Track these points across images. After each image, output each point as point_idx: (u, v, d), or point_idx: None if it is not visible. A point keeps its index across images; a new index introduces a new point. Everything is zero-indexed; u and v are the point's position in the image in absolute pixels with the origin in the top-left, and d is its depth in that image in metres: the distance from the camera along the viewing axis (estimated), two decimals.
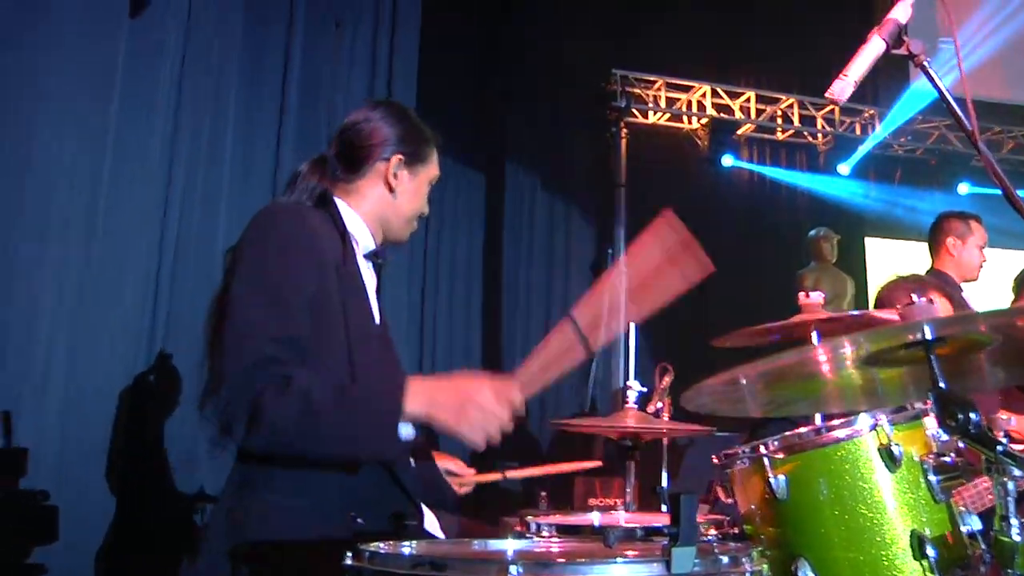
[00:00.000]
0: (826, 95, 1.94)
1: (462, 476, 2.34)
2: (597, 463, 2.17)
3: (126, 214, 4.48)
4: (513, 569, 1.05)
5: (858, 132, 8.33)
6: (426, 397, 1.71)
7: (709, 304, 7.37)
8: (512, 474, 2.44)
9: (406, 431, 1.73)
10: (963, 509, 1.67)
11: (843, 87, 1.91)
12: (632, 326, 5.31)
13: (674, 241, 1.83)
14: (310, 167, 2.09)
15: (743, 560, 1.18)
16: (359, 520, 1.79)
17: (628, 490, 2.43)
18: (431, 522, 2.05)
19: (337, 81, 5.86)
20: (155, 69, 4.67)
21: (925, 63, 1.93)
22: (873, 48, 1.92)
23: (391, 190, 2.07)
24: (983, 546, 1.57)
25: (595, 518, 2.14)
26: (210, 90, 5.12)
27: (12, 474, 3.84)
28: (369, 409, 1.70)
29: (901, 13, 1.96)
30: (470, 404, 1.68)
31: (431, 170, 2.16)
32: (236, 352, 1.76)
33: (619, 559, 1.11)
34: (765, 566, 1.21)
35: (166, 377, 4.66)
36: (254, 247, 1.88)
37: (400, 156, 2.07)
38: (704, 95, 7.88)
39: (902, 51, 1.94)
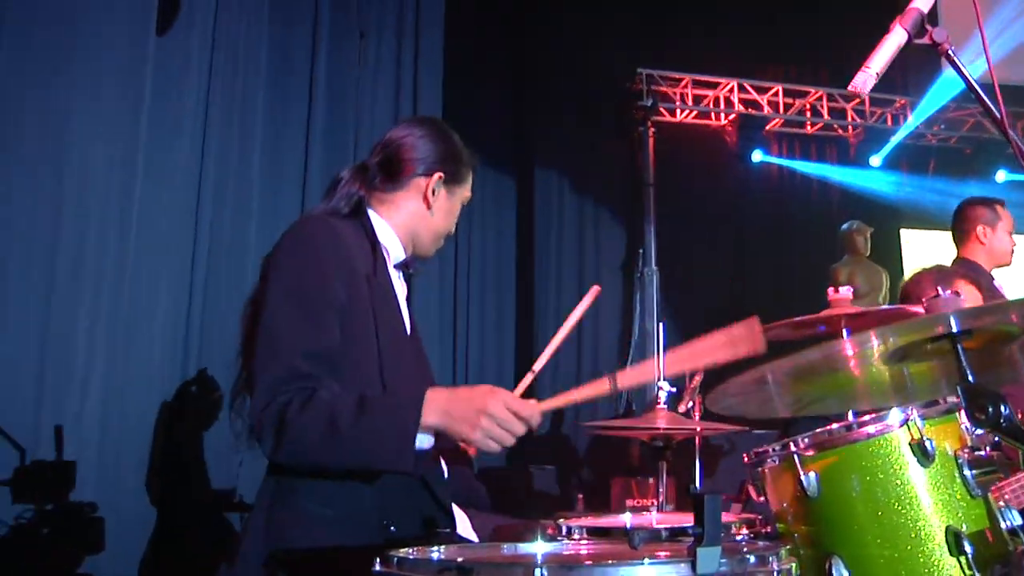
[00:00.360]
0: (848, 88, 1.92)
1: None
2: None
3: (158, 226, 4.55)
4: (538, 572, 1.05)
5: (889, 123, 8.23)
6: (441, 408, 1.73)
7: (742, 301, 7.33)
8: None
9: (425, 441, 1.75)
10: (1002, 504, 1.64)
11: (865, 79, 1.89)
12: (662, 325, 5.28)
13: (747, 348, 1.81)
14: (351, 174, 2.11)
15: (770, 559, 1.17)
16: (392, 528, 1.81)
17: (661, 490, 2.42)
18: (463, 524, 2.06)
19: (363, 90, 5.91)
20: (183, 83, 4.75)
21: (949, 51, 1.90)
22: (895, 38, 1.90)
23: (428, 206, 2.10)
24: None
25: (627, 519, 2.13)
26: (237, 102, 5.19)
27: (63, 486, 3.93)
28: (386, 423, 1.72)
29: (923, 2, 1.93)
30: (483, 414, 1.71)
31: (466, 192, 2.21)
32: (267, 363, 1.78)
33: (645, 560, 1.11)
34: (794, 564, 1.20)
35: (203, 387, 4.72)
36: (287, 258, 1.90)
37: (441, 174, 2.10)
38: (731, 91, 7.83)
39: (925, 40, 1.91)
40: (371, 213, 2.07)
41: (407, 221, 2.10)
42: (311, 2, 5.78)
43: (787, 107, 8.02)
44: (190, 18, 4.81)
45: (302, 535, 1.78)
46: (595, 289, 2.14)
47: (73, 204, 4.22)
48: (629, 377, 1.87)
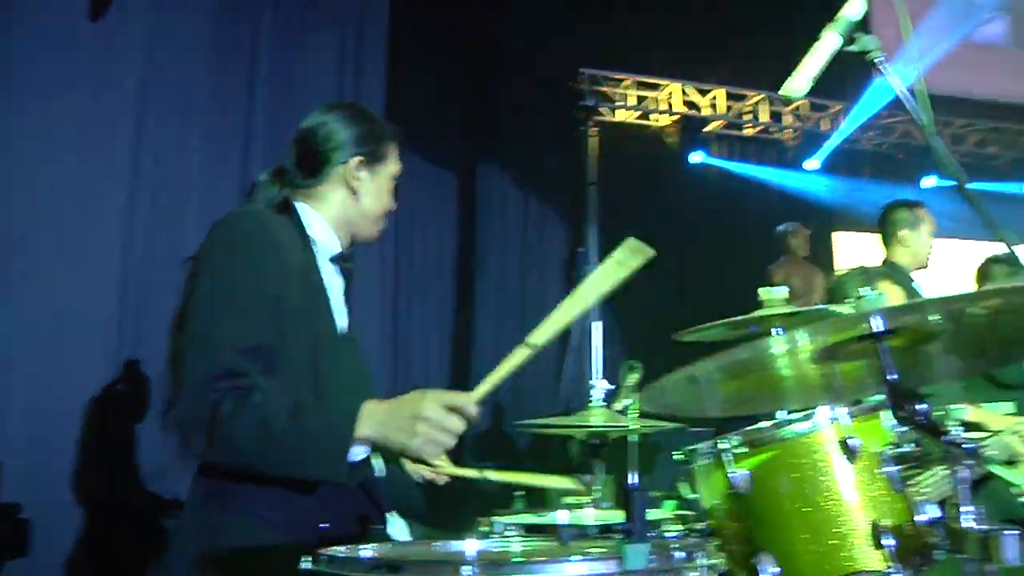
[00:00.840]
0: (781, 92, 1.96)
1: (438, 467, 2.32)
2: (570, 484, 2.10)
3: (91, 221, 4.44)
4: (466, 569, 1.05)
5: (825, 127, 8.41)
6: (376, 420, 1.70)
7: (681, 300, 7.43)
8: (491, 475, 2.42)
9: (359, 453, 1.72)
10: (921, 498, 1.70)
11: (798, 84, 1.94)
12: (599, 324, 5.30)
13: (636, 260, 1.82)
14: (269, 177, 2.08)
15: (698, 554, 1.19)
16: (325, 524, 1.79)
17: (598, 488, 2.44)
18: (399, 528, 2.05)
19: (307, 82, 5.83)
20: (118, 75, 4.63)
21: (877, 60, 1.95)
22: (827, 45, 1.94)
23: (353, 192, 2.07)
24: (939, 534, 1.60)
25: (562, 517, 2.14)
26: (175, 93, 5.09)
27: None
28: (320, 434, 1.70)
29: (853, 9, 1.98)
30: (419, 420, 1.67)
31: (392, 166, 2.15)
32: (196, 362, 1.75)
33: (574, 557, 1.11)
34: (722, 560, 1.22)
35: (134, 386, 4.62)
36: (215, 254, 1.87)
37: (359, 158, 2.07)
38: (673, 93, 7.92)
39: (855, 48, 1.96)
40: (301, 206, 2.04)
41: (337, 212, 2.07)
42: None
43: (728, 109, 8.14)
44: (124, 4, 4.68)
45: (234, 535, 1.76)
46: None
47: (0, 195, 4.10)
48: (543, 332, 1.85)
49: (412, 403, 1.71)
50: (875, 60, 1.94)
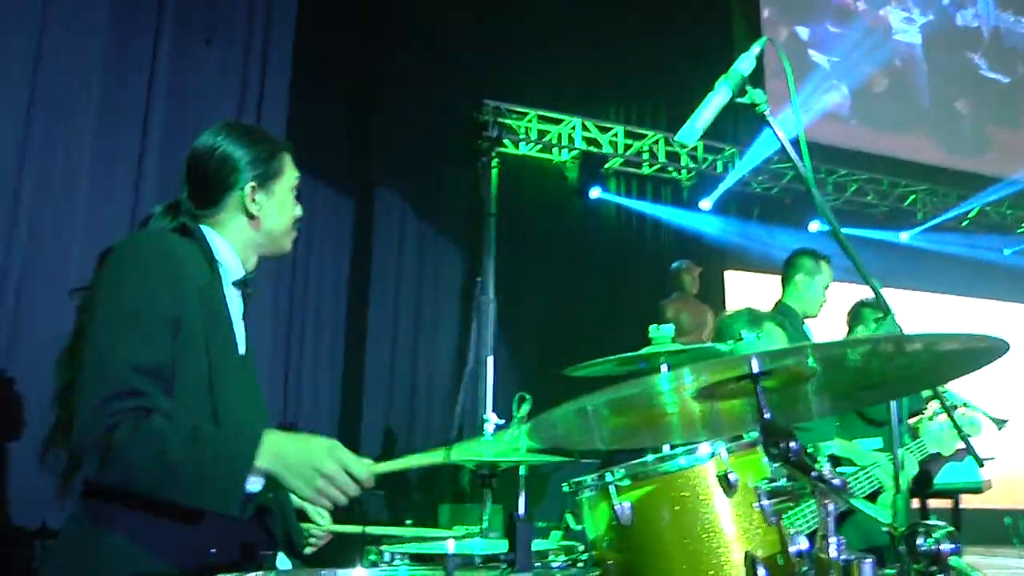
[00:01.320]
0: (675, 139, 2.05)
1: (319, 525, 2.28)
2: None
3: None
4: None
5: (720, 169, 8.73)
6: (276, 456, 1.69)
7: (574, 334, 7.55)
8: (371, 529, 2.40)
9: (255, 484, 1.71)
10: (792, 531, 1.78)
11: (689, 132, 2.03)
12: (491, 359, 5.35)
13: None
14: (163, 210, 2.05)
15: None
16: (212, 551, 1.75)
17: (485, 518, 2.45)
18: (284, 561, 2.01)
19: (206, 101, 5.71)
20: (0, 83, 4.42)
21: (765, 113, 2.07)
22: (718, 97, 2.05)
23: (252, 217, 2.05)
24: (808, 563, 1.68)
25: (449, 544, 2.15)
26: (64, 105, 4.89)
27: None
28: (218, 464, 1.67)
29: (745, 65, 2.09)
30: (318, 473, 1.69)
31: (289, 179, 2.13)
32: (92, 384, 1.71)
33: None
34: None
35: (7, 403, 4.39)
36: (115, 273, 1.83)
37: (252, 184, 2.04)
38: (574, 128, 8.09)
39: (745, 100, 2.07)
40: (206, 229, 2.02)
41: (240, 237, 2.05)
42: (153, 10, 5.51)
43: (626, 147, 8.36)
44: (10, 15, 4.47)
45: (115, 562, 1.70)
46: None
47: None
48: (464, 452, 1.89)
49: (317, 454, 1.71)
50: (762, 112, 2.05)
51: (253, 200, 2.04)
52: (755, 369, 1.44)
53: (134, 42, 5.38)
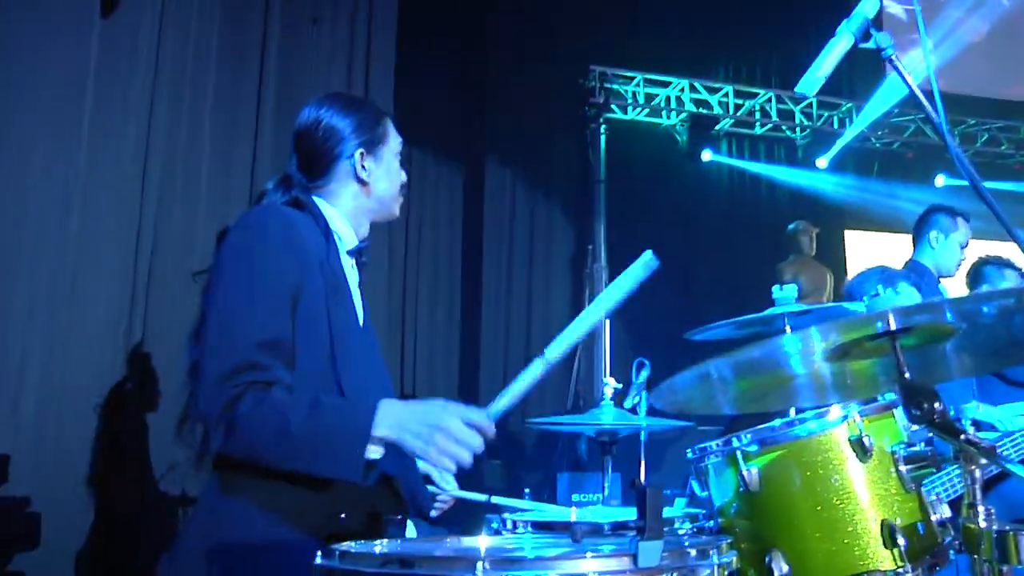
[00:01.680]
0: (795, 90, 1.95)
1: (443, 491, 2.30)
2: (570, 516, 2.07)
3: (101, 216, 4.44)
4: (480, 566, 1.05)
5: (836, 126, 8.38)
6: (395, 422, 1.70)
7: (690, 298, 7.41)
8: (497, 499, 2.41)
9: (375, 452, 1.73)
10: (934, 498, 1.69)
11: (812, 81, 1.93)
12: (608, 323, 5.28)
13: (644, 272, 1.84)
14: (275, 185, 2.08)
15: (711, 552, 1.18)
16: (342, 516, 1.79)
17: (606, 485, 2.44)
18: (411, 527, 2.05)
19: (315, 79, 5.84)
20: (128, 69, 4.63)
21: (893, 57, 1.94)
22: (840, 42, 1.93)
23: (364, 184, 2.08)
24: (952, 533, 1.59)
25: (572, 514, 2.14)
26: (185, 89, 5.09)
27: None
28: (337, 433, 1.70)
29: (868, 7, 1.97)
30: (438, 431, 1.68)
31: (394, 144, 2.15)
32: (217, 358, 1.75)
33: (588, 554, 1.11)
34: (734, 558, 1.22)
35: (146, 378, 4.63)
36: (239, 246, 1.87)
37: (361, 150, 2.07)
38: (682, 90, 7.90)
39: (869, 44, 1.95)
40: (319, 200, 2.05)
41: (352, 206, 2.08)
42: None
43: (737, 108, 8.12)
44: (131, 17, 4.65)
45: (247, 528, 1.75)
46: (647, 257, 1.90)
47: (11, 189, 4.10)
48: (557, 347, 1.85)
49: (433, 412, 1.71)
50: (889, 56, 1.93)
51: (363, 166, 2.06)
52: (893, 326, 1.36)
53: (246, 25, 5.53)
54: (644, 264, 1.86)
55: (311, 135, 2.07)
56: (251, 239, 1.87)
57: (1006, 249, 4.50)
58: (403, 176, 2.18)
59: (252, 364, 1.72)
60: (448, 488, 2.22)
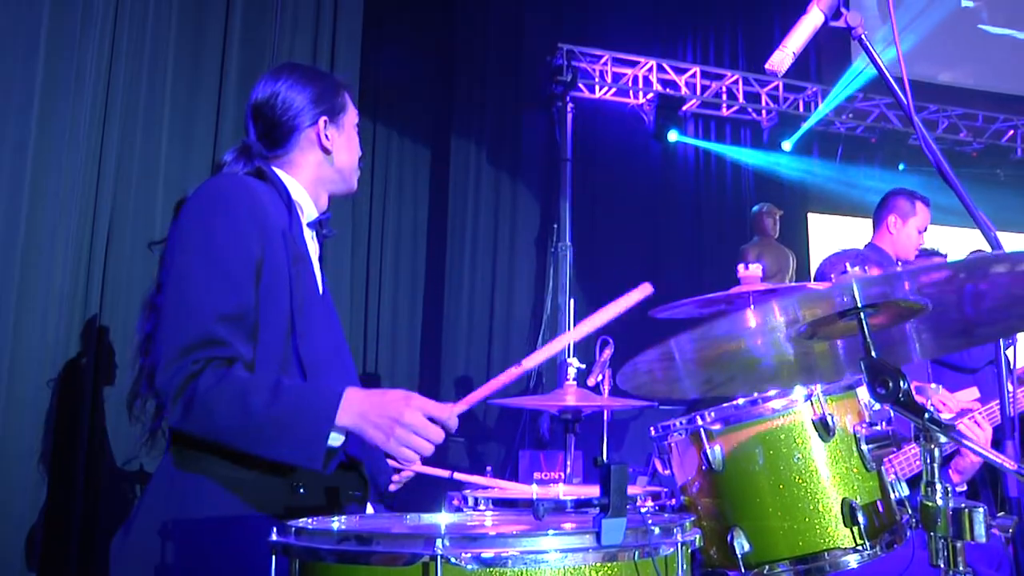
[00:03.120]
0: (766, 66, 1.93)
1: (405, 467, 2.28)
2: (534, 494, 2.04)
3: (55, 188, 4.30)
4: (439, 542, 1.03)
5: (802, 109, 8.43)
6: (357, 412, 1.68)
7: (655, 278, 7.43)
8: (459, 476, 2.39)
9: (336, 440, 1.70)
10: (893, 478, 1.71)
11: (782, 58, 1.90)
12: (572, 302, 5.29)
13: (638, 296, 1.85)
14: (235, 155, 2.03)
15: (675, 530, 1.17)
16: (301, 491, 1.76)
17: (568, 463, 2.44)
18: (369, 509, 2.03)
19: (279, 54, 5.72)
20: (83, 40, 4.47)
21: (863, 35, 1.93)
22: (811, 19, 1.91)
23: (328, 152, 2.05)
24: (909, 511, 1.61)
25: (534, 491, 2.13)
26: (144, 57, 4.96)
27: None
28: (299, 419, 1.67)
29: None
30: (399, 425, 1.66)
31: (351, 115, 2.14)
32: (176, 331, 1.71)
33: (550, 531, 1.10)
34: (697, 536, 1.21)
35: (101, 354, 4.54)
36: (198, 215, 1.82)
37: (324, 118, 2.05)
38: (650, 70, 7.88)
39: (840, 23, 1.94)
40: (278, 172, 2.01)
41: (313, 174, 2.05)
42: None
43: (704, 89, 8.12)
44: None
45: (204, 503, 1.72)
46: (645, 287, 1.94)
47: None
48: (535, 357, 1.84)
49: (395, 404, 1.68)
50: (859, 36, 1.92)
51: (326, 135, 2.03)
52: (858, 299, 1.36)
53: None
54: (640, 293, 1.88)
55: (271, 107, 2.03)
56: (211, 208, 1.82)
57: (969, 235, 4.56)
58: (360, 151, 2.16)
59: (212, 339, 1.69)
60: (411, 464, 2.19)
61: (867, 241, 4.25)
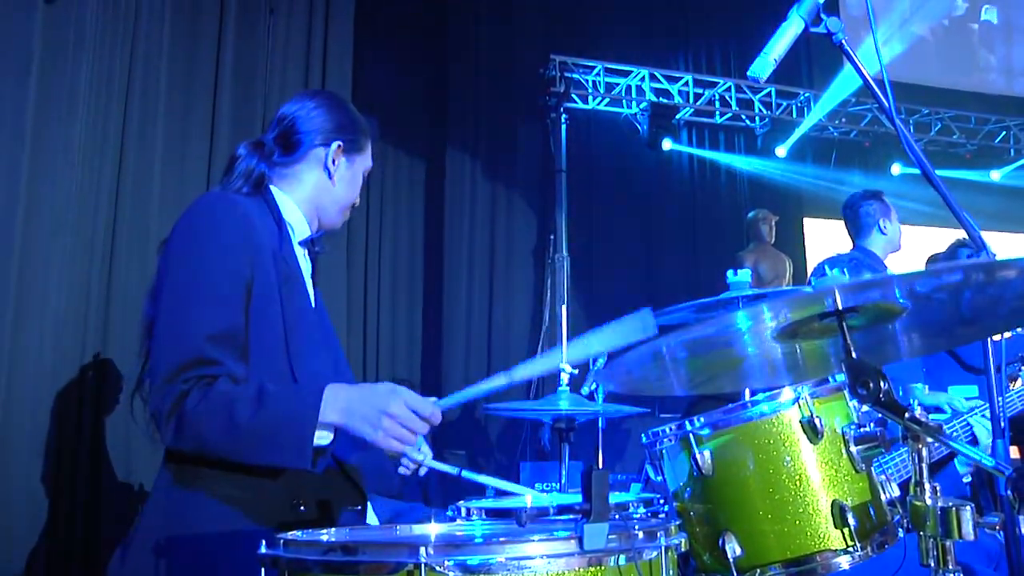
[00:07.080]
0: (748, 74, 1.95)
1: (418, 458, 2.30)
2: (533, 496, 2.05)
3: (50, 208, 4.32)
4: (423, 550, 1.04)
5: (795, 115, 8.45)
6: (343, 407, 1.71)
7: (651, 287, 7.45)
8: (467, 474, 2.39)
9: (324, 438, 1.72)
10: (883, 478, 1.71)
11: (763, 65, 1.92)
12: (564, 308, 5.30)
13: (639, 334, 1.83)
14: (248, 150, 2.06)
15: (659, 534, 1.18)
16: (302, 508, 1.78)
17: (563, 471, 2.44)
18: (373, 515, 2.04)
19: (272, 68, 5.76)
20: (76, 58, 4.50)
21: (843, 42, 1.95)
22: (791, 26, 1.93)
23: (330, 175, 2.07)
24: (900, 512, 1.61)
25: (528, 501, 2.13)
26: (137, 78, 4.99)
27: None
28: (284, 421, 1.69)
29: None
30: (385, 416, 1.69)
31: (366, 161, 2.17)
32: (167, 353, 1.74)
33: (534, 537, 1.10)
34: (683, 540, 1.22)
35: (102, 374, 4.55)
36: (188, 236, 1.85)
37: (340, 143, 2.08)
38: (643, 80, 7.91)
39: (820, 29, 1.96)
40: (273, 189, 2.03)
41: (310, 194, 2.07)
42: None
43: (697, 97, 8.15)
44: (82, 9, 4.53)
45: (201, 519, 1.74)
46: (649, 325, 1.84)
47: None
48: (525, 370, 1.86)
49: (380, 396, 1.72)
50: (839, 42, 1.93)
51: (334, 160, 2.06)
52: (839, 303, 1.37)
53: (201, 12, 5.44)
54: (641, 324, 1.82)
55: (297, 115, 2.08)
56: (201, 228, 1.84)
57: (954, 236, 4.60)
58: (358, 200, 2.19)
59: (201, 360, 1.71)
60: (421, 459, 2.22)
61: (853, 247, 4.30)
